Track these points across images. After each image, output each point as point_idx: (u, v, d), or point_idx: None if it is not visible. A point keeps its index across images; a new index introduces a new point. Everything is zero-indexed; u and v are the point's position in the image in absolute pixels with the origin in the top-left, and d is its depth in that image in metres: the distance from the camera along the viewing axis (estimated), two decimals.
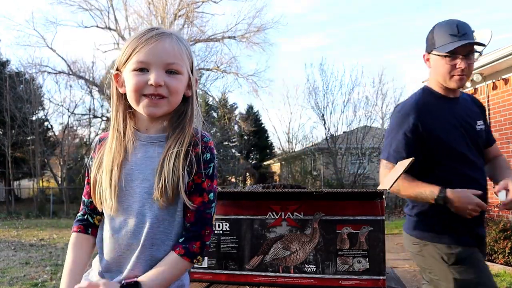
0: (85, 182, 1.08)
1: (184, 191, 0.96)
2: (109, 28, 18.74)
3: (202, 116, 1.10)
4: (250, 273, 1.52)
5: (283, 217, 1.51)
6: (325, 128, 16.14)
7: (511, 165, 1.87)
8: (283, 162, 21.69)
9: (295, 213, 1.51)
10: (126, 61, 0.97)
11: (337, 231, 1.47)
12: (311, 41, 40.12)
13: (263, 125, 25.14)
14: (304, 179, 17.78)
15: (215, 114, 22.48)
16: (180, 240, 0.98)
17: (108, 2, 18.49)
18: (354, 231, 1.46)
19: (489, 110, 6.11)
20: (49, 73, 18.52)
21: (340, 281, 1.46)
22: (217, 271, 1.55)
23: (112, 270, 0.98)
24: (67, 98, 25.53)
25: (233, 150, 23.34)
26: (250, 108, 25.04)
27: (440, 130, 1.68)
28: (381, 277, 1.43)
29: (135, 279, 0.91)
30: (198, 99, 1.10)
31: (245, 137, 23.56)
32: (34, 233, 9.57)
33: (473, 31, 1.80)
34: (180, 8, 17.96)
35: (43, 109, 20.08)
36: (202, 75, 19.22)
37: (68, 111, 19.38)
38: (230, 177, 21.67)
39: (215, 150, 1.04)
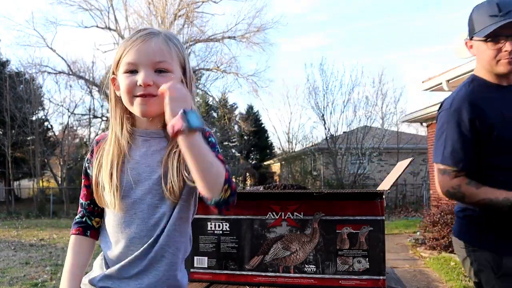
0: (82, 185, 1.08)
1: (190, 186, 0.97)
2: (109, 28, 18.74)
3: (202, 116, 1.10)
4: (250, 273, 1.52)
5: (283, 217, 1.51)
6: (325, 128, 16.15)
7: None
8: (283, 162, 21.68)
9: (295, 213, 1.50)
10: (118, 64, 0.99)
11: (337, 231, 1.47)
12: (311, 41, 40.13)
13: (263, 125, 25.12)
14: (304, 179, 17.77)
15: (215, 114, 22.46)
16: None
17: (108, 2, 18.49)
18: (354, 231, 1.46)
19: None
20: (49, 73, 18.53)
21: (340, 281, 1.46)
22: (217, 271, 1.55)
23: (121, 261, 0.97)
24: (67, 98, 25.48)
25: (233, 150, 23.32)
26: (250, 108, 25.03)
27: (499, 124, 1.44)
28: (381, 277, 1.43)
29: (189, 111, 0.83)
30: (197, 97, 1.09)
31: (245, 137, 23.54)
32: (34, 233, 9.57)
33: None
34: (180, 8, 17.96)
35: (43, 109, 20.08)
36: (202, 75, 19.22)
37: (68, 111, 19.37)
38: None
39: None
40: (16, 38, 32.73)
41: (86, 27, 18.71)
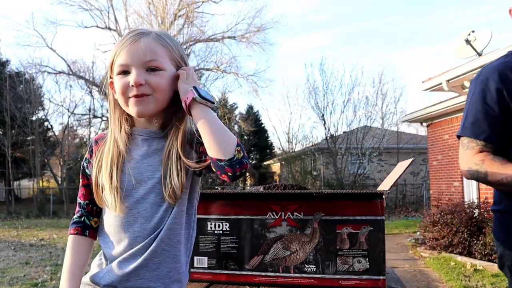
0: (80, 184, 1.08)
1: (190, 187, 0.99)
2: (109, 28, 18.74)
3: None
4: (250, 273, 1.52)
5: (283, 217, 1.51)
6: (325, 128, 16.15)
7: None
8: (283, 162, 21.69)
9: (295, 213, 1.51)
10: (112, 67, 1.00)
11: (337, 231, 1.47)
12: (311, 41, 40.11)
13: (263, 125, 25.12)
14: (304, 179, 17.77)
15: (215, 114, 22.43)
16: None
17: (108, 2, 18.49)
18: (354, 231, 1.46)
19: None
20: (49, 73, 18.52)
21: (340, 281, 1.46)
22: (217, 271, 1.55)
23: (125, 259, 0.97)
24: (67, 98, 25.58)
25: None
26: (250, 108, 25.02)
27: None
28: (381, 277, 1.43)
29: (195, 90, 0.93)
30: None
31: (245, 137, 23.54)
32: (34, 233, 9.57)
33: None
34: (180, 8, 17.96)
35: (43, 109, 20.08)
36: (202, 75, 19.22)
37: (68, 111, 19.38)
38: None
39: None
40: (16, 38, 32.84)
41: (86, 27, 18.73)
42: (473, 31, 6.64)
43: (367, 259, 1.45)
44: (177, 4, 17.92)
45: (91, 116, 20.39)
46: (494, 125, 1.28)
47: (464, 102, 1.45)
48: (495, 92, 1.29)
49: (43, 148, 18.10)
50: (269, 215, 1.52)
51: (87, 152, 1.09)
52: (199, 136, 0.93)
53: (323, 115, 16.14)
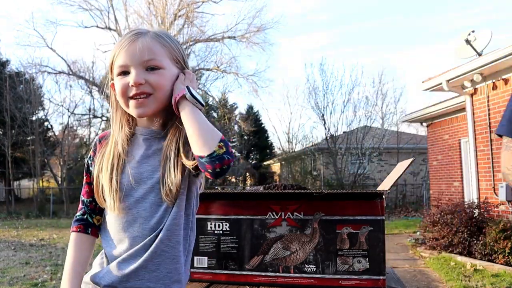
0: (84, 182, 1.08)
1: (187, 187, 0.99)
2: (109, 28, 18.73)
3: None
4: (250, 273, 1.52)
5: (283, 217, 1.51)
6: (325, 128, 16.15)
7: None
8: (283, 162, 21.69)
9: (295, 213, 1.50)
10: (112, 68, 1.00)
11: (337, 231, 1.47)
12: (311, 41, 40.12)
13: (263, 125, 25.13)
14: (304, 179, 17.77)
15: (215, 114, 22.45)
16: None
17: (108, 2, 18.49)
18: (354, 231, 1.46)
19: (489, 110, 6.12)
20: (49, 73, 18.52)
21: (340, 281, 1.46)
22: (217, 271, 1.55)
23: (125, 260, 0.97)
24: (67, 98, 25.63)
25: (233, 150, 23.28)
26: (250, 108, 25.02)
27: None
28: (381, 277, 1.43)
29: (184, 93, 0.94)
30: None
31: (245, 137, 23.54)
32: (34, 233, 9.57)
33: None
34: (180, 8, 17.95)
35: (43, 109, 20.07)
36: (202, 75, 19.21)
37: (68, 111, 19.39)
38: (230, 177, 21.66)
39: None
40: (16, 38, 32.85)
41: (86, 27, 18.72)
42: (473, 31, 6.64)
43: (367, 259, 1.45)
44: (177, 4, 17.93)
45: (91, 116, 20.41)
46: None
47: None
48: None
49: (43, 148, 18.10)
50: (269, 215, 1.52)
51: (91, 150, 1.09)
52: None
53: (323, 115, 16.15)
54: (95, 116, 20.52)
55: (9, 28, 37.14)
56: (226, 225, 1.56)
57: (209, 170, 0.87)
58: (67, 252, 1.04)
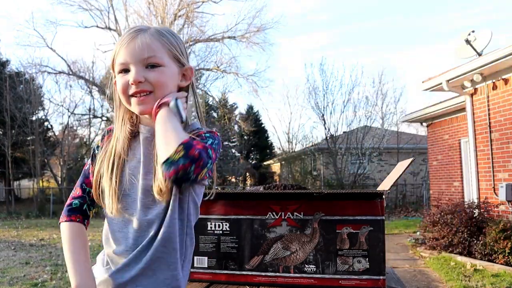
0: (89, 170, 1.06)
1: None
2: (109, 28, 18.72)
3: (202, 116, 1.10)
4: (250, 273, 1.52)
5: (283, 217, 1.51)
6: (325, 128, 16.15)
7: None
8: (283, 162, 21.69)
9: (295, 213, 1.50)
10: (113, 66, 1.00)
11: (337, 231, 1.47)
12: (311, 41, 40.09)
13: (263, 125, 25.12)
14: (304, 179, 17.78)
15: (215, 114, 22.46)
16: None
17: (108, 2, 18.47)
18: (354, 231, 1.46)
19: (489, 110, 6.11)
20: (49, 73, 18.51)
21: (340, 281, 1.45)
22: (217, 271, 1.55)
23: (119, 262, 0.97)
24: (67, 98, 25.60)
25: (233, 150, 23.30)
26: (250, 108, 25.02)
27: None
28: (381, 277, 1.43)
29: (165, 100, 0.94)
30: (197, 92, 1.09)
31: (245, 137, 23.53)
32: (34, 233, 9.57)
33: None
34: (180, 8, 17.95)
35: (43, 109, 20.06)
36: (202, 75, 19.21)
37: (68, 111, 19.39)
38: (230, 177, 21.67)
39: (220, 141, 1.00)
40: (16, 38, 32.84)
41: (86, 27, 18.70)
42: (473, 31, 6.64)
43: (367, 259, 1.45)
44: (177, 4, 17.92)
45: (91, 116, 20.40)
46: None
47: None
48: None
49: (43, 148, 18.09)
50: (269, 215, 1.52)
51: (100, 140, 1.08)
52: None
53: (323, 115, 16.15)
54: (95, 116, 20.52)
55: (9, 28, 37.16)
56: (226, 225, 1.56)
57: (166, 178, 0.81)
58: (68, 242, 1.00)
